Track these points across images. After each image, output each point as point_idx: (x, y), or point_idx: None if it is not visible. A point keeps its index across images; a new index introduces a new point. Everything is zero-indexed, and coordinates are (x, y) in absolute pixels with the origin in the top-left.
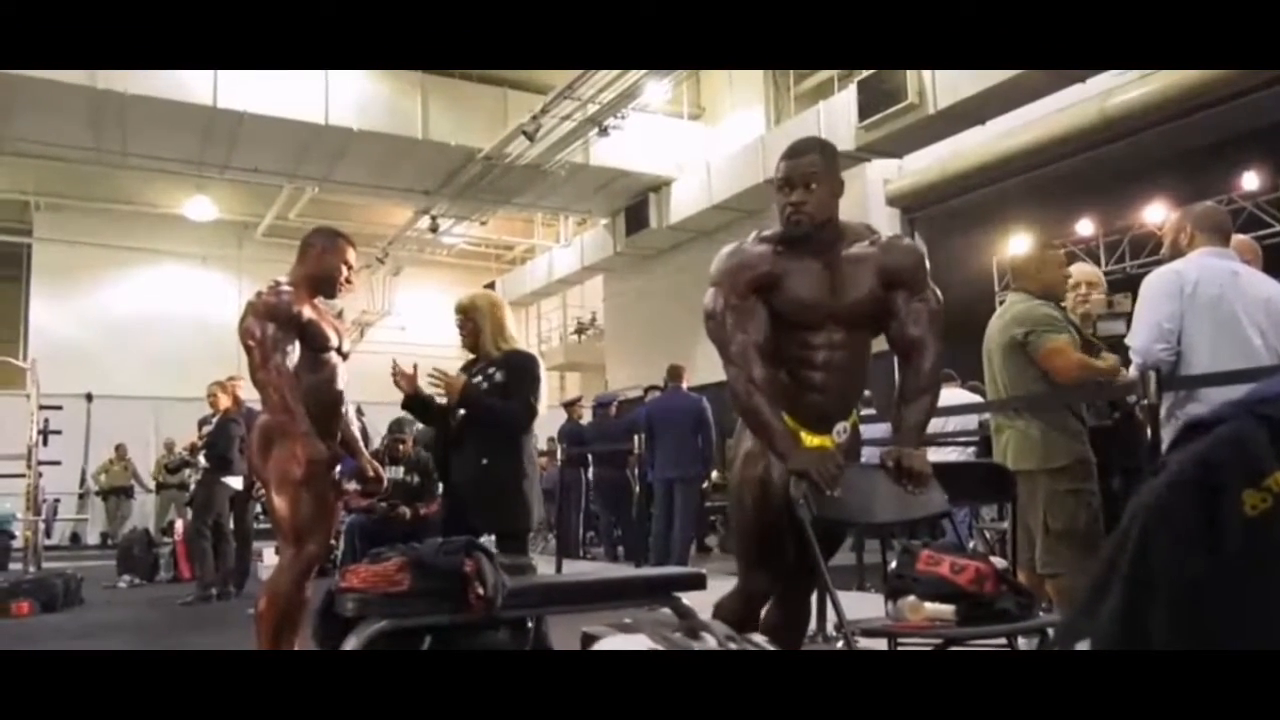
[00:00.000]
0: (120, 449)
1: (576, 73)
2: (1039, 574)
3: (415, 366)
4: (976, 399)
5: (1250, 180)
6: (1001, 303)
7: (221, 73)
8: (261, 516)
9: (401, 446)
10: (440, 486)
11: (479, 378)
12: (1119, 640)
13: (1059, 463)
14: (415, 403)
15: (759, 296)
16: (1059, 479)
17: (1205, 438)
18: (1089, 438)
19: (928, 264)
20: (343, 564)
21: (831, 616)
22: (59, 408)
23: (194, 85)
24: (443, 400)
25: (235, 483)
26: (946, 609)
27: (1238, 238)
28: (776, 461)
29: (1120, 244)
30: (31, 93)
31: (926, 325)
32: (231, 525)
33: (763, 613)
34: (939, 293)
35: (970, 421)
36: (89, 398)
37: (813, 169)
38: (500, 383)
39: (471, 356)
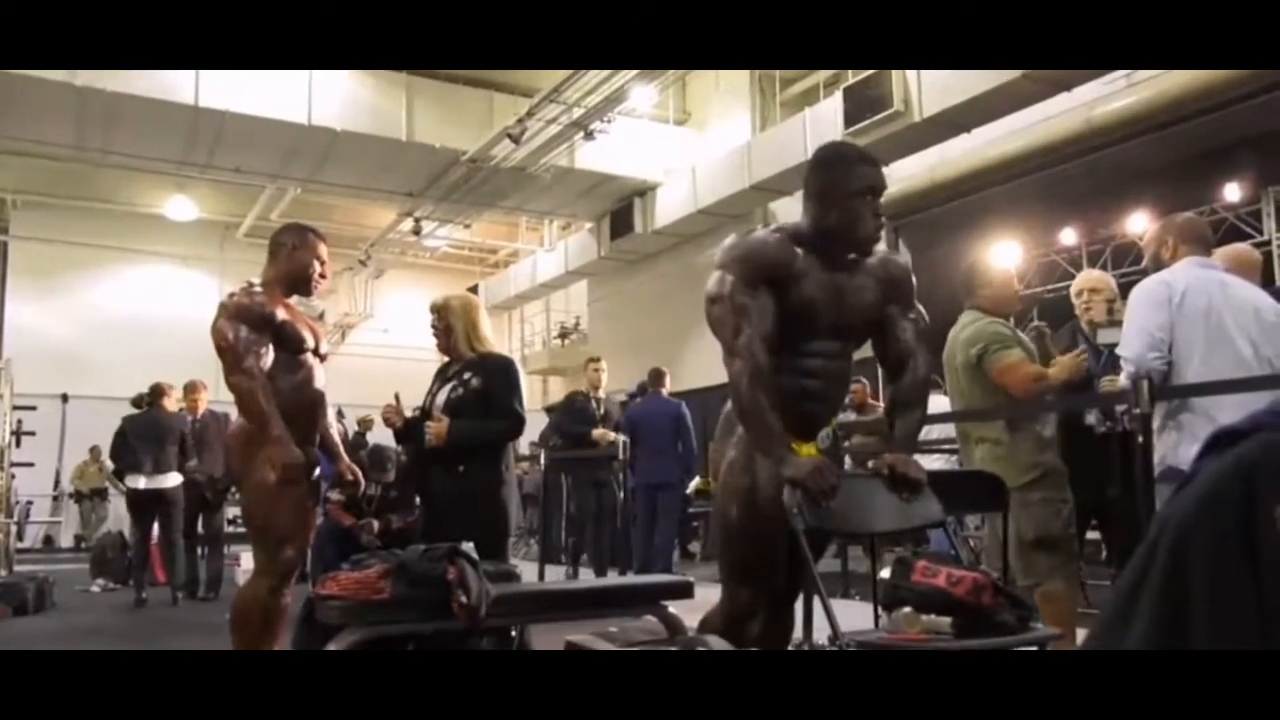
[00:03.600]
0: (95, 451)
1: (563, 76)
2: (1019, 584)
3: (397, 398)
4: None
5: (1232, 191)
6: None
7: (204, 72)
8: (235, 520)
9: (382, 480)
10: (417, 498)
11: (453, 383)
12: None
13: (1029, 476)
14: (408, 433)
15: (771, 290)
16: (1030, 490)
17: (1239, 447)
18: (1094, 445)
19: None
20: (312, 570)
21: (822, 626)
22: (33, 408)
23: (177, 84)
24: (431, 442)
25: (136, 482)
26: (943, 621)
27: (1239, 248)
28: (763, 470)
29: (1103, 253)
30: (11, 90)
31: (917, 340)
32: (201, 529)
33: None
34: (923, 310)
35: (954, 430)
36: (64, 398)
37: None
38: (476, 389)
39: (447, 360)
